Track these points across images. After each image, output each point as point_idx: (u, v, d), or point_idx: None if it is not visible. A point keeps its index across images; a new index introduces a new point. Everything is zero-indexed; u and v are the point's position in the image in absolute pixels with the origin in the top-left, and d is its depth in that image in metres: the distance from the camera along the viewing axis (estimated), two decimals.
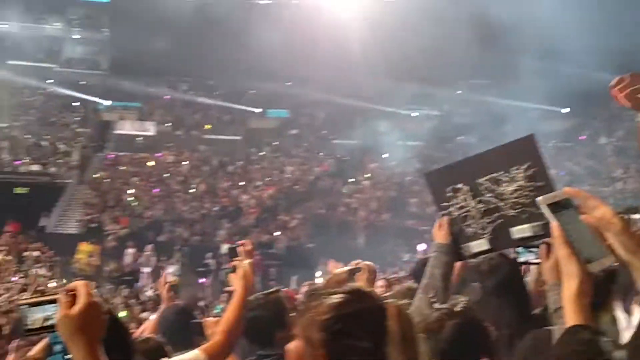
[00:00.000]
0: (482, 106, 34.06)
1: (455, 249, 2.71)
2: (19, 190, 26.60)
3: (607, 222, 1.56)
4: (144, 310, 14.12)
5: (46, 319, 1.60)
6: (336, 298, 1.61)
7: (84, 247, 21.73)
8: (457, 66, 31.14)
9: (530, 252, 2.96)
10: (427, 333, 2.28)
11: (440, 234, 2.69)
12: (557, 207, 1.67)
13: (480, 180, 2.60)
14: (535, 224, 2.53)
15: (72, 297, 1.57)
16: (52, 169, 29.26)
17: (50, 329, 1.60)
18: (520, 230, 2.57)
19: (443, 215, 2.69)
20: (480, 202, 2.61)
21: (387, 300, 1.63)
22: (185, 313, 4.09)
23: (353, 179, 30.07)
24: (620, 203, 21.49)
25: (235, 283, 3.15)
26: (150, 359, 2.47)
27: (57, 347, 1.60)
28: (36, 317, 1.60)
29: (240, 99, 34.95)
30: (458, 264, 3.37)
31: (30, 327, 1.61)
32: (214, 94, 36.11)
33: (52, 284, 18.10)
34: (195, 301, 5.97)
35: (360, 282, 3.34)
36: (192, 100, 35.69)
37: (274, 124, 35.23)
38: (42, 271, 19.52)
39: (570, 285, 1.68)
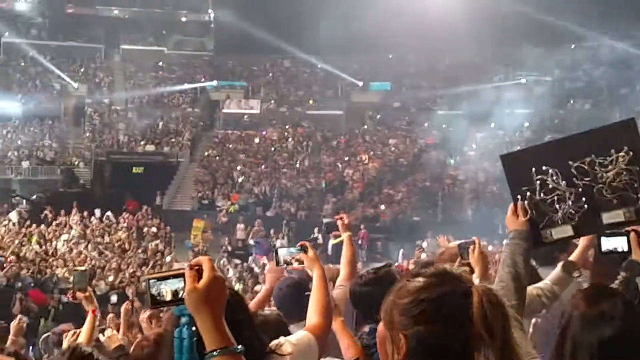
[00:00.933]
0: (596, 69, 32.22)
1: (533, 234, 2.55)
2: (136, 169, 27.98)
3: None
4: (257, 283, 14.54)
5: (173, 292, 1.67)
6: (418, 281, 1.54)
7: (198, 223, 22.62)
8: (568, 27, 29.50)
9: (612, 239, 2.74)
10: (586, 319, 2.05)
11: (518, 220, 2.52)
12: None
13: (575, 164, 2.50)
14: (628, 208, 2.46)
15: (197, 272, 1.63)
16: (166, 149, 30.61)
17: (176, 302, 1.66)
18: (612, 216, 2.48)
19: (520, 199, 2.54)
20: (571, 185, 2.50)
21: (477, 285, 1.53)
22: (299, 286, 4.13)
23: (459, 150, 29.39)
24: None
25: (310, 264, 3.11)
26: (273, 334, 2.51)
27: (184, 320, 1.65)
28: (163, 290, 1.67)
29: (342, 73, 34.91)
30: None
31: (158, 299, 1.68)
32: (317, 69, 36.30)
33: (168, 259, 19.02)
34: (309, 275, 5.99)
35: (472, 258, 3.23)
36: (295, 77, 36.07)
37: (377, 97, 34.98)
38: (160, 246, 20.55)
39: None
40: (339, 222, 4.37)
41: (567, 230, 2.54)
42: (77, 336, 4.13)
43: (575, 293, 2.18)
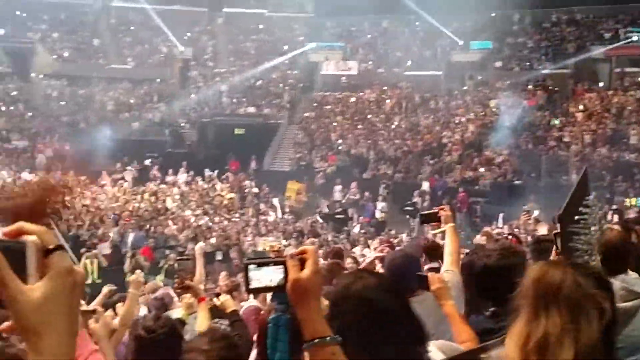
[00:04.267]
0: None
1: None
2: (238, 131, 28.74)
3: None
4: (353, 246, 14.84)
5: (271, 280, 1.70)
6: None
7: (292, 185, 23.06)
8: None
9: None
10: None
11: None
12: None
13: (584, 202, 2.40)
14: None
15: (300, 262, 1.69)
16: (266, 111, 31.23)
17: (274, 289, 1.72)
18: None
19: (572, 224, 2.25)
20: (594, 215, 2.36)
21: None
22: (411, 261, 4.11)
23: (564, 111, 28.19)
24: None
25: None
26: None
27: (280, 307, 1.74)
28: (261, 277, 1.70)
29: (442, 33, 34.06)
30: None
31: (255, 285, 1.72)
32: (416, 29, 35.60)
33: (271, 218, 19.65)
34: (420, 251, 5.97)
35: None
36: (393, 37, 35.56)
37: (478, 56, 33.92)
38: (262, 207, 21.24)
39: None
40: (441, 213, 4.25)
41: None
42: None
43: None
